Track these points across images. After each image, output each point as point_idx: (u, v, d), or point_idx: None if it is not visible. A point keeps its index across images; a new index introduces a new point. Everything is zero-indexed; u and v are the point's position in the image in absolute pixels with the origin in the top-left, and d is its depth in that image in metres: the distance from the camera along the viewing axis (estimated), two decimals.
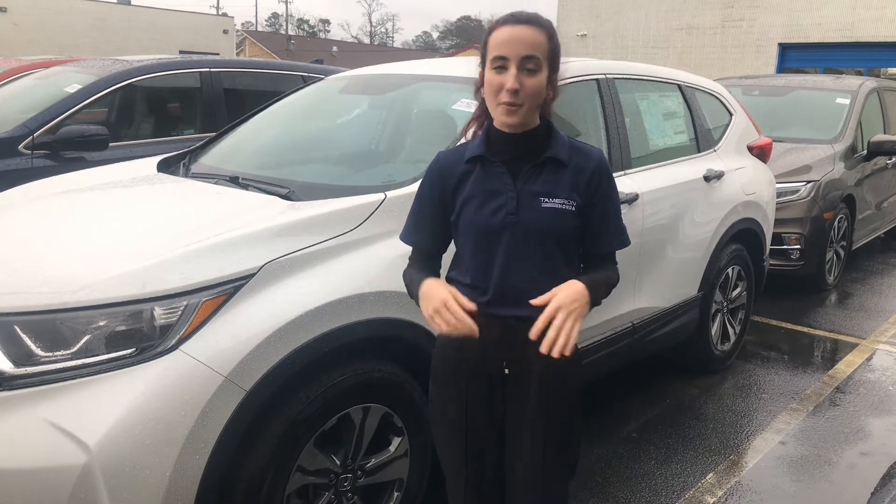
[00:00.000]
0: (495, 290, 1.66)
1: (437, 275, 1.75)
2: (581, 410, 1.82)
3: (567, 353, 1.51)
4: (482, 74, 1.65)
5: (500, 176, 1.66)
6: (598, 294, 1.65)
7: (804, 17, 18.32)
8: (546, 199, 1.64)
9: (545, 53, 1.60)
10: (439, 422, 1.81)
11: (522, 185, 1.65)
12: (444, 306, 1.55)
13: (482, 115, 1.73)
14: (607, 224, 1.72)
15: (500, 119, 1.63)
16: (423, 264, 1.79)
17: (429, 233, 1.78)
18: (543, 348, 1.51)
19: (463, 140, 1.79)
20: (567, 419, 1.75)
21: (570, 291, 1.56)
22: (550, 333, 1.51)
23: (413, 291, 1.71)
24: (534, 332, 1.54)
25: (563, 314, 1.52)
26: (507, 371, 1.71)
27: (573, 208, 1.65)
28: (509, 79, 1.56)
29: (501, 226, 1.64)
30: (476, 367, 1.71)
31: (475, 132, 1.75)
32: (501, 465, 1.78)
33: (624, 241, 1.76)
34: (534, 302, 1.55)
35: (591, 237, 1.72)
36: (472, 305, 1.57)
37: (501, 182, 1.66)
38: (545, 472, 1.73)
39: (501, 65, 1.57)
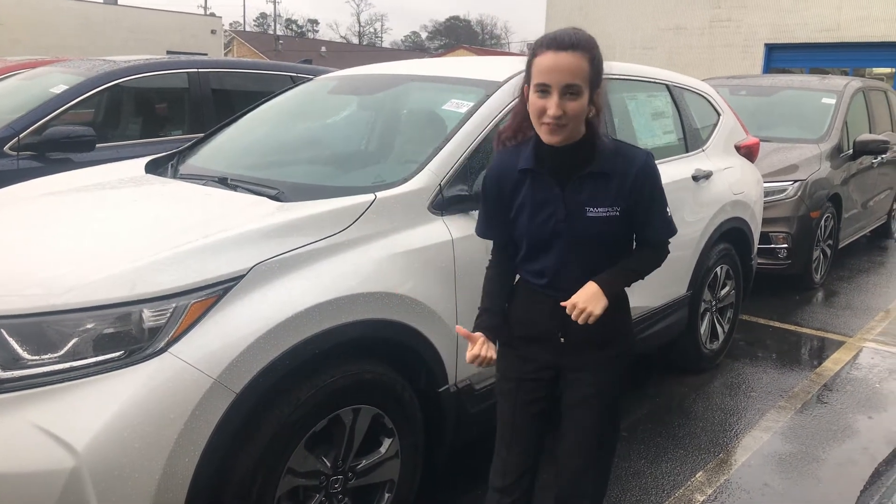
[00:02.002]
0: (549, 279, 1.88)
1: (509, 270, 2.00)
2: (624, 378, 2.03)
3: (591, 321, 1.78)
4: (527, 89, 1.77)
5: (549, 187, 1.82)
6: (616, 286, 1.86)
7: (790, 18, 18.46)
8: (591, 209, 1.80)
9: (586, 78, 1.70)
10: (500, 377, 2.04)
11: (570, 196, 1.80)
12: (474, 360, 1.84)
13: (518, 126, 1.88)
14: (652, 217, 1.88)
15: (544, 138, 1.75)
16: (498, 260, 2.00)
17: (500, 227, 1.95)
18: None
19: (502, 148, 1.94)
20: (612, 391, 1.96)
21: (585, 294, 1.80)
22: (574, 314, 1.80)
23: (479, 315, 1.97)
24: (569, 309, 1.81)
25: (578, 308, 1.79)
26: (562, 340, 1.91)
27: (617, 213, 1.81)
28: (552, 106, 1.68)
29: (552, 234, 1.83)
30: (537, 335, 1.94)
31: (504, 142, 1.90)
32: (545, 418, 1.99)
33: (670, 230, 1.92)
34: (564, 303, 1.82)
35: (639, 229, 1.90)
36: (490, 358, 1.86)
37: (551, 193, 1.82)
38: (589, 439, 1.94)
39: (544, 90, 1.69)
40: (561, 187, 1.81)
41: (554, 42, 1.70)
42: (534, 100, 1.72)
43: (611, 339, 1.94)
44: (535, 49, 1.74)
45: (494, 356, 1.86)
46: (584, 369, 1.93)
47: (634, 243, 1.97)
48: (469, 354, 1.84)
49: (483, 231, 2.02)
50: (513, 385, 1.99)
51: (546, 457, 2.04)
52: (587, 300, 1.80)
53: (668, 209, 1.92)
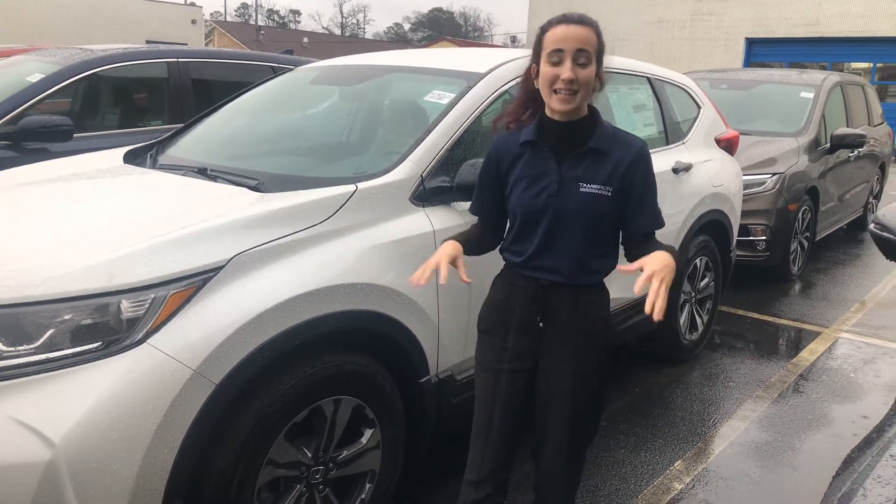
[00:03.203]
0: (531, 255, 1.91)
1: (483, 237, 2.07)
2: (610, 370, 2.05)
3: (661, 317, 1.66)
4: (534, 69, 1.87)
5: (547, 160, 1.88)
6: (678, 262, 1.88)
7: (771, 12, 18.61)
8: (584, 185, 1.85)
9: (595, 48, 1.82)
10: (478, 367, 2.05)
11: (566, 170, 1.86)
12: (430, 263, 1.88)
13: (521, 107, 1.96)
14: (643, 208, 1.91)
15: (556, 107, 1.82)
16: (477, 226, 2.09)
17: (491, 205, 2.03)
18: (647, 310, 1.67)
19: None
20: (595, 370, 1.97)
21: (660, 258, 1.74)
22: (650, 299, 1.67)
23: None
24: (637, 289, 1.72)
25: (656, 281, 1.70)
26: (541, 325, 1.93)
27: (609, 193, 1.85)
28: (565, 70, 1.77)
29: (544, 206, 1.86)
30: (516, 321, 1.95)
31: (508, 124, 1.99)
32: (526, 406, 1.99)
33: (658, 222, 1.96)
34: (622, 269, 1.83)
35: (629, 219, 1.92)
36: (444, 274, 1.85)
37: (548, 166, 1.88)
38: (568, 428, 1.94)
39: (558, 58, 1.78)
40: (558, 162, 1.87)
41: (564, 18, 1.83)
42: (546, 70, 1.81)
43: (590, 327, 1.95)
44: (545, 27, 1.85)
45: (445, 267, 1.87)
46: (563, 359, 1.94)
47: (622, 239, 1.99)
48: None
49: (474, 207, 2.09)
50: (491, 376, 1.99)
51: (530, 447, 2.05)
52: (664, 266, 1.73)
53: (657, 202, 1.95)
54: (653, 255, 1.77)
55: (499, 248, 2.06)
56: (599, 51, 1.85)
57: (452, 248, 1.95)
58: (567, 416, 1.94)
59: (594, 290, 1.98)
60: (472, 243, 2.05)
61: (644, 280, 1.70)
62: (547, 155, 1.88)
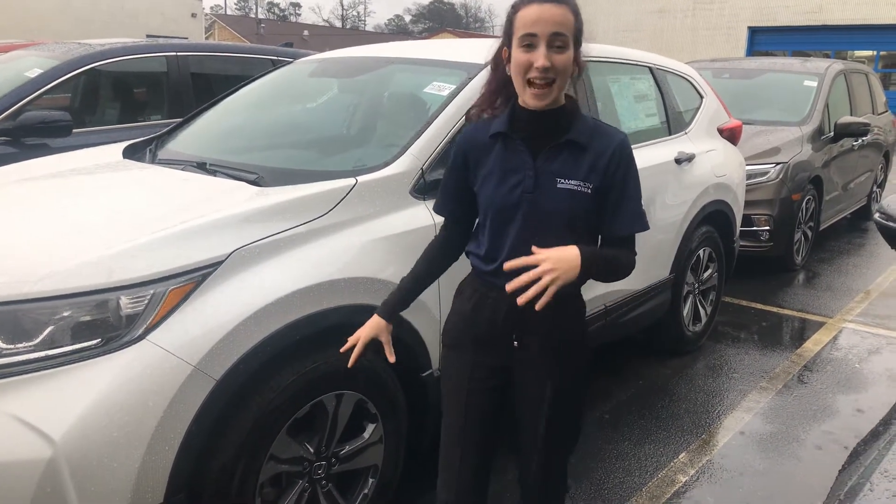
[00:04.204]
0: (501, 263, 1.68)
1: (451, 246, 1.89)
2: (586, 388, 1.91)
3: (537, 306, 1.52)
4: (505, 52, 1.67)
5: (520, 154, 1.69)
6: (594, 266, 1.63)
7: (773, 0, 18.50)
8: (562, 180, 1.66)
9: (572, 30, 1.62)
10: (445, 383, 1.89)
11: (541, 164, 1.68)
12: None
13: (493, 94, 1.75)
14: (624, 207, 1.71)
15: (529, 102, 1.65)
16: (444, 235, 1.90)
17: (457, 203, 1.83)
18: (509, 287, 1.54)
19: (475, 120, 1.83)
20: (572, 395, 1.82)
21: (561, 251, 1.57)
22: (522, 278, 1.53)
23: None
24: (508, 266, 1.57)
25: (543, 266, 1.53)
26: (516, 343, 1.76)
27: (588, 190, 1.67)
28: (539, 57, 1.58)
29: (517, 203, 1.67)
30: (486, 336, 1.78)
31: (479, 114, 1.78)
32: (495, 430, 1.84)
33: (642, 224, 1.74)
34: (508, 265, 1.58)
35: (607, 219, 1.72)
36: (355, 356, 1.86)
37: (521, 160, 1.69)
38: (547, 444, 1.81)
39: (530, 42, 1.59)
40: (533, 156, 1.68)
41: None
42: (518, 56, 1.62)
43: (570, 343, 1.79)
44: (517, 5, 1.64)
45: (370, 341, 1.88)
46: (541, 379, 1.78)
47: (599, 243, 1.80)
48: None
49: (439, 205, 1.88)
50: (462, 396, 1.82)
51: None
52: (559, 260, 1.55)
53: (641, 202, 1.76)
54: (561, 247, 1.59)
55: (465, 250, 1.86)
56: (577, 32, 1.65)
57: (370, 329, 1.89)
58: (546, 438, 1.80)
59: (573, 301, 1.81)
60: (421, 278, 1.89)
61: (524, 261, 1.56)
62: (520, 148, 1.69)
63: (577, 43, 1.67)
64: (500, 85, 1.74)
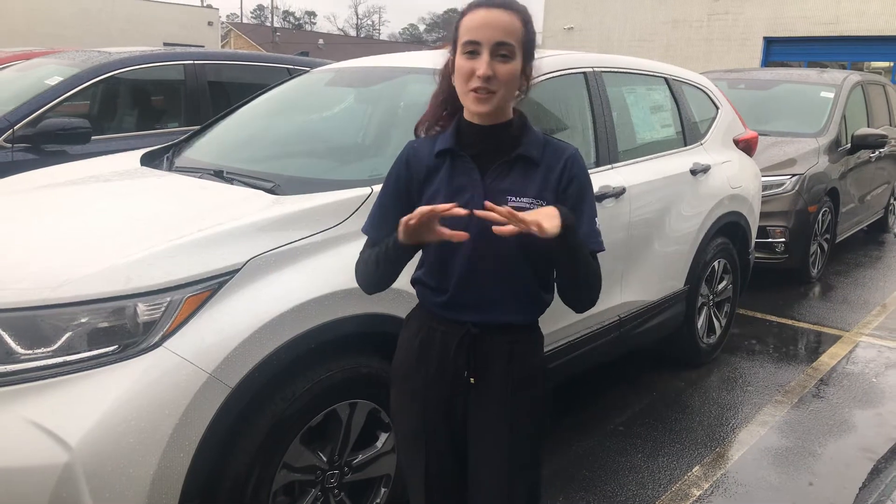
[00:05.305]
0: (454, 291, 1.58)
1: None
2: (546, 427, 1.75)
3: (505, 230, 1.36)
4: (452, 61, 1.56)
5: (468, 171, 1.58)
6: (575, 243, 1.49)
7: (789, 11, 18.42)
8: (513, 198, 1.55)
9: (520, 40, 1.51)
10: (398, 427, 1.75)
11: (490, 182, 1.56)
12: (421, 214, 1.42)
13: (440, 107, 1.65)
14: (578, 225, 1.54)
15: (471, 108, 1.53)
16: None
17: (392, 226, 1.54)
18: (480, 213, 1.39)
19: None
20: (533, 433, 1.67)
21: (541, 210, 1.43)
22: (500, 209, 1.36)
23: (388, 244, 1.55)
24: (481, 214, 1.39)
25: (525, 215, 1.36)
26: (471, 380, 1.63)
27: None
28: (482, 65, 1.47)
29: (466, 225, 1.48)
30: (436, 374, 1.64)
31: (428, 128, 1.67)
32: (461, 472, 1.70)
33: (596, 243, 1.60)
34: (497, 229, 1.37)
35: None
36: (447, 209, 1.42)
37: (469, 178, 1.57)
38: (509, 486, 1.65)
39: (473, 49, 1.49)
40: (482, 173, 1.57)
41: (486, 0, 1.52)
42: (461, 63, 1.50)
43: (528, 380, 1.65)
44: (465, 9, 1.54)
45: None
46: (497, 421, 1.64)
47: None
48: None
49: (372, 227, 1.66)
50: (420, 444, 1.68)
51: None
52: (542, 214, 1.39)
53: (596, 220, 1.62)
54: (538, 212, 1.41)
55: (411, 279, 1.70)
56: (527, 42, 1.53)
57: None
58: (505, 483, 1.65)
59: (530, 333, 1.68)
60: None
61: (508, 212, 1.36)
62: (468, 165, 1.57)
63: (528, 55, 1.56)
64: (447, 96, 1.63)
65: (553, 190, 1.57)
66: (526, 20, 1.54)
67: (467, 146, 1.59)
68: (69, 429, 1.71)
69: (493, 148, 1.58)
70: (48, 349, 1.79)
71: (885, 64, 18.61)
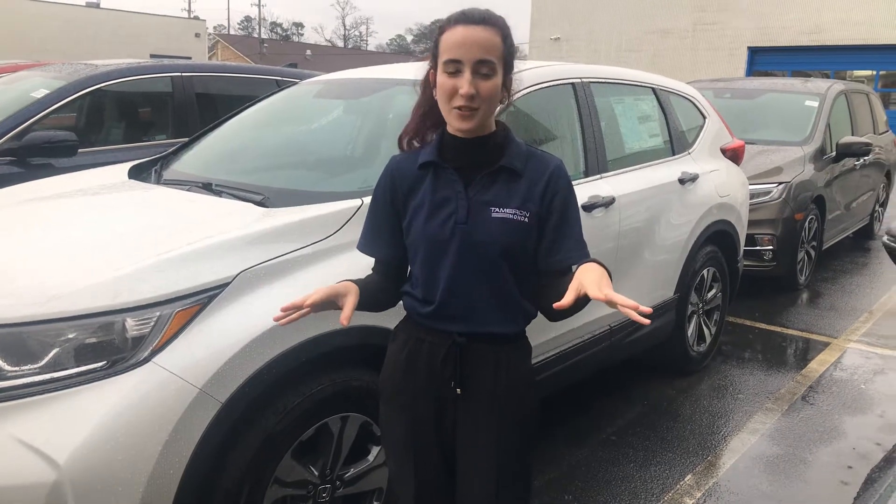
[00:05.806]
0: (440, 301, 1.59)
1: (389, 285, 1.70)
2: (535, 437, 1.75)
3: (647, 310, 1.31)
4: (433, 75, 1.57)
5: (452, 184, 1.59)
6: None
7: (772, 21, 18.64)
8: (497, 209, 1.56)
9: (500, 56, 1.52)
10: (387, 440, 1.75)
11: (474, 194, 1.57)
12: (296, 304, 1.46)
13: (422, 120, 1.65)
14: (564, 237, 1.58)
15: (455, 125, 1.54)
16: (376, 277, 1.71)
17: (386, 241, 1.67)
18: (640, 319, 1.31)
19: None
20: (521, 444, 1.67)
21: (594, 270, 1.39)
22: (629, 313, 1.30)
23: None
24: (565, 302, 1.34)
25: (613, 295, 1.31)
26: (458, 391, 1.62)
27: (525, 219, 1.57)
28: (464, 84, 1.48)
29: (450, 235, 1.55)
30: (424, 386, 1.64)
31: (411, 140, 1.68)
32: (452, 484, 1.69)
33: (583, 255, 1.60)
34: (559, 305, 1.34)
35: (546, 250, 1.60)
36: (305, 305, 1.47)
37: (453, 190, 1.58)
38: (497, 496, 1.64)
39: (456, 69, 1.49)
40: (465, 185, 1.58)
41: (464, 16, 1.51)
42: (443, 81, 1.50)
43: (516, 391, 1.65)
44: (444, 25, 1.54)
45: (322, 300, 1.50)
46: (484, 432, 1.63)
47: (538, 278, 1.63)
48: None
49: (365, 244, 1.71)
50: (410, 456, 1.68)
51: None
52: (603, 275, 1.37)
53: (582, 231, 1.63)
54: (583, 271, 1.39)
55: (401, 290, 1.71)
56: (507, 57, 1.54)
57: (338, 286, 1.55)
58: (493, 494, 1.63)
59: (518, 343, 1.67)
60: (371, 292, 1.65)
61: (575, 291, 1.34)
62: (452, 177, 1.58)
63: (508, 67, 1.57)
64: (428, 108, 1.63)
65: (537, 202, 1.58)
66: (505, 35, 1.55)
67: (450, 159, 1.60)
68: (57, 446, 1.69)
69: (476, 160, 1.59)
70: (35, 366, 1.77)
71: (868, 72, 18.85)
